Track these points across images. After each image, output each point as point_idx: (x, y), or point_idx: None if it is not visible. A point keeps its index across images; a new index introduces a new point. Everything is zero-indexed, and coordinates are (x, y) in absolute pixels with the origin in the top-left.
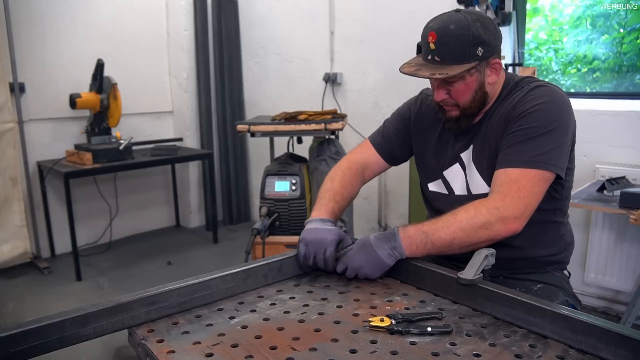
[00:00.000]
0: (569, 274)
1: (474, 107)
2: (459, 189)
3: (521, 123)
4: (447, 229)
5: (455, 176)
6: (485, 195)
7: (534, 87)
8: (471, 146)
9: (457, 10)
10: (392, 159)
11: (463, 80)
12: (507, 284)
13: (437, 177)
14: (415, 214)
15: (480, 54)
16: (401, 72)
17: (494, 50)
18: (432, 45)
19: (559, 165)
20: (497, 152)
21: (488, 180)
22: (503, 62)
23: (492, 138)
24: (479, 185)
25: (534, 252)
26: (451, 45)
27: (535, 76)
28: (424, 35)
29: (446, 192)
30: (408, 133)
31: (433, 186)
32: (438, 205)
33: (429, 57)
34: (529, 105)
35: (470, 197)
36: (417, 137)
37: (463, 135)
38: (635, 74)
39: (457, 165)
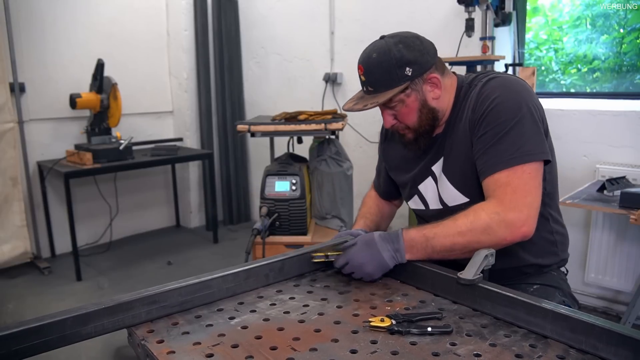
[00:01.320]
0: (567, 271)
1: (425, 125)
2: (433, 203)
3: (487, 123)
4: (447, 233)
5: (428, 190)
6: (461, 205)
7: (486, 82)
8: (442, 158)
9: (382, 37)
10: (388, 195)
11: (402, 103)
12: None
13: (414, 193)
14: (414, 214)
15: (409, 74)
16: (343, 109)
17: (425, 65)
18: (362, 77)
19: (543, 151)
20: (466, 159)
21: (462, 189)
22: (503, 62)
23: (459, 145)
24: (452, 196)
25: (524, 257)
26: (377, 73)
27: (535, 76)
28: (358, 72)
29: (423, 207)
30: (385, 165)
31: (412, 203)
32: (423, 221)
33: (364, 89)
34: (487, 103)
35: (445, 210)
36: (391, 162)
37: (430, 148)
38: (635, 74)
39: (429, 179)
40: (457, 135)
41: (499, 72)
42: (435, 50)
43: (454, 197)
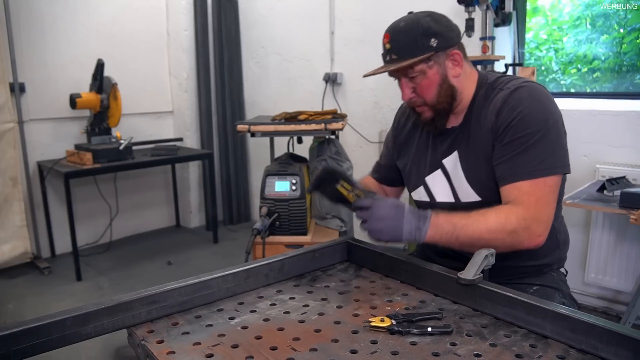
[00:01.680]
0: (566, 272)
1: (443, 102)
2: (441, 196)
3: (513, 132)
4: (476, 227)
5: (436, 183)
6: (474, 203)
7: (514, 90)
8: (455, 152)
9: (410, 13)
10: (389, 181)
11: (424, 74)
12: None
13: (419, 184)
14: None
15: (434, 45)
16: (364, 76)
17: (450, 41)
18: (387, 45)
19: (564, 164)
20: (486, 162)
21: (476, 188)
22: (503, 62)
23: (479, 146)
24: (467, 193)
25: (529, 256)
26: (403, 40)
27: (535, 76)
28: (382, 41)
29: (428, 200)
30: (393, 153)
31: (416, 194)
32: None
33: (388, 58)
34: (514, 112)
35: (458, 205)
36: (400, 151)
37: (443, 140)
38: (635, 74)
39: (438, 172)
40: (478, 135)
41: (524, 79)
42: (460, 33)
43: (467, 194)
